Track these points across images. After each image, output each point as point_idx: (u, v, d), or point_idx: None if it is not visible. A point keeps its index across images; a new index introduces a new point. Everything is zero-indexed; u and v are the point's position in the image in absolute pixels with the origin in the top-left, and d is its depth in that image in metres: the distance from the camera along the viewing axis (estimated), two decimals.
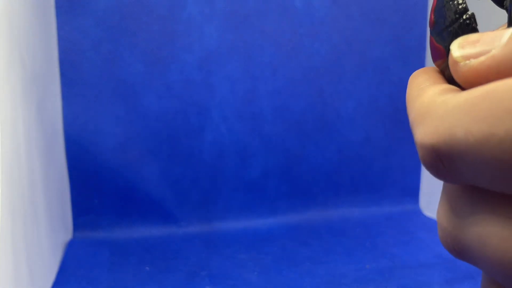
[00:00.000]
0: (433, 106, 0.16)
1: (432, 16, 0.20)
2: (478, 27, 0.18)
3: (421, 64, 1.04)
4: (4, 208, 0.52)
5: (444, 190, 0.18)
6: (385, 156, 1.06)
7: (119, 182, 0.93)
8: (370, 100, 1.03)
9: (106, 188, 0.93)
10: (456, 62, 0.17)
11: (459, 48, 0.17)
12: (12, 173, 0.56)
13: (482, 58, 0.15)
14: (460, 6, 0.18)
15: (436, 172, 0.16)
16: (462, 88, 0.19)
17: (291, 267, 0.80)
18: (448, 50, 0.19)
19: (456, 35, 0.18)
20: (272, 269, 0.79)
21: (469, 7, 0.19)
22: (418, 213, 1.05)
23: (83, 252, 0.85)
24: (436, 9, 0.20)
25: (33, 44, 0.74)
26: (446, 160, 0.15)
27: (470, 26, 0.18)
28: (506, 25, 0.19)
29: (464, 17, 0.18)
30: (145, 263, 0.81)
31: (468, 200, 0.16)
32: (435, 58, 0.21)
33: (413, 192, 1.08)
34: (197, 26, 0.93)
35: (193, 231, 0.94)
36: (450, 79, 0.20)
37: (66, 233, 0.89)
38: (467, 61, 0.16)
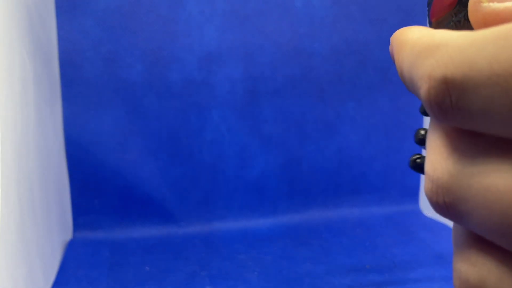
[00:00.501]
0: (446, 39, 0.15)
1: None
2: None
3: None
4: (4, 208, 0.52)
5: (439, 135, 0.17)
6: (385, 156, 1.06)
7: (119, 182, 0.93)
8: (370, 100, 1.03)
9: (106, 188, 0.93)
10: (479, 1, 0.15)
11: None
12: (12, 173, 0.56)
13: (508, 4, 0.15)
14: None
15: (440, 108, 0.15)
16: None
17: (291, 267, 0.80)
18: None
19: None
20: (272, 269, 0.79)
21: None
22: (418, 213, 1.05)
23: (83, 252, 0.85)
24: None
25: (33, 44, 0.74)
26: (458, 94, 0.14)
27: None
28: None
29: None
30: (145, 263, 0.81)
31: (472, 145, 0.15)
32: (439, 8, 0.20)
33: (413, 192, 1.08)
34: (197, 26, 0.93)
35: (193, 231, 0.94)
36: None
37: (66, 233, 0.89)
38: (491, 3, 0.15)
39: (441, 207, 0.16)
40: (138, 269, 0.79)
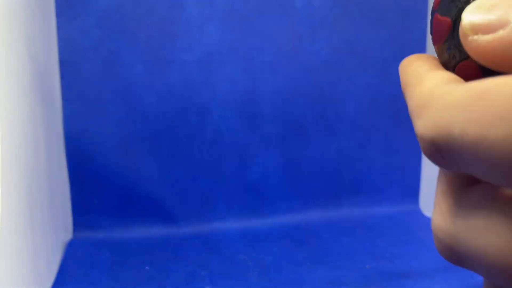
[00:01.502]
0: (432, 99, 0.16)
1: None
2: None
3: None
4: (4, 208, 0.52)
5: (441, 188, 0.18)
6: (385, 156, 1.06)
7: (119, 182, 0.93)
8: (370, 100, 1.03)
9: (106, 188, 0.93)
10: (465, 35, 0.16)
11: (471, 13, 0.16)
12: (12, 173, 0.56)
13: (489, 37, 0.15)
14: None
15: (436, 162, 0.16)
16: (462, 69, 0.19)
17: (291, 267, 0.80)
18: (454, 22, 0.19)
19: (466, 3, 0.18)
20: (272, 270, 0.79)
21: None
22: (418, 213, 1.05)
23: (83, 252, 0.85)
24: None
25: (33, 44, 0.74)
26: (445, 153, 0.15)
27: None
28: None
29: None
30: (145, 263, 0.81)
31: (467, 199, 0.16)
32: (437, 38, 0.20)
33: (413, 192, 1.08)
34: (197, 26, 0.93)
35: (193, 231, 0.94)
36: (448, 61, 0.20)
37: (66, 233, 0.89)
38: (475, 37, 0.16)
39: (453, 262, 0.17)
40: (138, 269, 0.79)
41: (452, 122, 0.14)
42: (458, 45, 0.19)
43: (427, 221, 1.01)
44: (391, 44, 1.03)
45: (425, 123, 0.16)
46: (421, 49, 1.04)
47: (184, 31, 0.93)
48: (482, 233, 0.15)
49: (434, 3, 0.20)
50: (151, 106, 0.93)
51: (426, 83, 0.17)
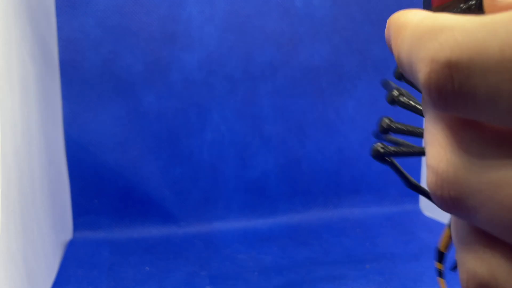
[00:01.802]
0: (452, 22, 0.14)
1: None
2: None
3: None
4: (4, 208, 0.52)
5: (440, 125, 0.16)
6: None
7: (119, 182, 0.93)
8: (370, 100, 1.03)
9: (106, 188, 0.93)
10: None
11: None
12: (12, 173, 0.56)
13: None
14: None
15: (440, 94, 0.14)
16: None
17: (291, 267, 0.80)
18: None
19: None
20: (272, 269, 0.79)
21: None
22: (418, 213, 1.05)
23: (83, 252, 0.85)
24: None
25: (34, 44, 0.74)
26: (461, 79, 0.13)
27: None
28: None
29: None
30: (145, 263, 0.81)
31: (479, 137, 0.14)
32: None
33: (413, 192, 1.08)
34: (197, 26, 0.93)
35: (193, 231, 0.94)
36: None
37: (66, 233, 0.89)
38: None
39: (446, 201, 0.15)
40: (138, 269, 0.79)
41: (485, 39, 0.12)
42: (473, 5, 0.17)
43: (427, 221, 1.01)
44: None
45: (442, 42, 0.13)
46: None
47: (184, 31, 0.93)
48: (499, 170, 0.13)
49: None
50: (151, 106, 0.93)
51: (437, 16, 0.15)
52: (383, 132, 0.26)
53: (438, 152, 0.15)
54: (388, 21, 0.19)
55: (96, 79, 0.90)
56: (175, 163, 0.96)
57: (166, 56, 0.93)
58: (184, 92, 0.94)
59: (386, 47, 1.03)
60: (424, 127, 0.17)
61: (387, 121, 0.27)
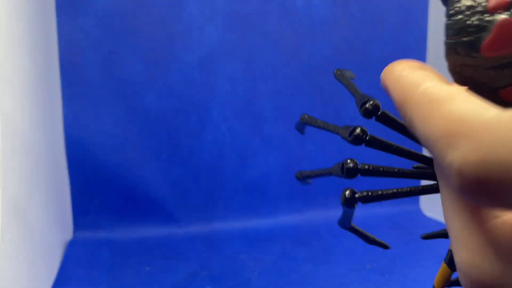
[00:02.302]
0: (472, 125, 0.13)
1: None
2: None
3: None
4: (5, 208, 0.52)
5: (471, 220, 0.15)
6: (386, 156, 1.06)
7: (119, 182, 0.93)
8: None
9: (106, 188, 0.93)
10: None
11: None
12: (12, 173, 0.56)
13: None
14: None
15: (476, 201, 0.13)
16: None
17: (292, 267, 0.80)
18: None
19: None
20: (272, 269, 0.79)
21: None
22: (419, 213, 1.05)
23: (83, 252, 0.85)
24: None
25: (34, 45, 0.73)
26: (494, 189, 0.13)
27: None
28: None
29: None
30: (145, 263, 0.81)
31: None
32: (507, 40, 0.16)
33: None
34: (197, 26, 0.93)
35: (194, 231, 0.94)
36: (502, 77, 0.16)
37: (66, 233, 0.89)
38: None
39: None
40: (139, 269, 0.79)
41: (508, 150, 0.12)
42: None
43: (427, 221, 1.01)
44: (392, 44, 1.02)
45: (466, 156, 0.13)
46: (421, 49, 1.04)
47: (184, 31, 0.93)
48: None
49: (495, 3, 0.16)
50: (151, 106, 0.93)
51: (458, 105, 0.14)
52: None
53: (468, 258, 0.15)
54: (383, 73, 0.18)
55: (96, 79, 0.90)
56: (176, 163, 0.96)
57: (166, 56, 0.93)
58: (184, 92, 0.94)
59: (386, 47, 1.03)
60: (443, 209, 0.16)
61: (351, 164, 0.26)
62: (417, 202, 1.08)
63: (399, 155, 0.23)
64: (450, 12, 0.17)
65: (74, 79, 0.90)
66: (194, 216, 0.96)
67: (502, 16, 0.16)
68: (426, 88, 0.16)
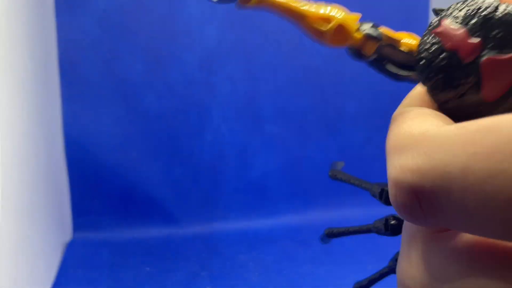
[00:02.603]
0: (419, 138, 0.13)
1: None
2: None
3: None
4: (5, 209, 0.52)
5: (413, 247, 0.15)
6: None
7: (119, 183, 0.93)
8: (372, 100, 1.03)
9: (106, 189, 0.93)
10: None
11: None
12: (12, 174, 0.56)
13: None
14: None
15: (410, 214, 0.13)
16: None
17: (292, 267, 0.80)
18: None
19: None
20: (273, 270, 0.79)
21: None
22: None
23: (83, 253, 0.84)
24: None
25: (33, 44, 0.73)
26: (428, 200, 0.13)
27: None
28: None
29: None
30: (145, 263, 0.81)
31: (456, 259, 0.14)
32: (496, 90, 0.16)
33: None
34: (197, 26, 0.93)
35: (194, 232, 0.94)
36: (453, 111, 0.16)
37: (66, 233, 0.89)
38: None
39: None
40: (138, 269, 0.79)
41: (449, 161, 0.12)
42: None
43: None
44: None
45: (403, 165, 0.13)
46: None
47: (184, 30, 0.93)
48: None
49: (475, 44, 0.16)
50: (151, 106, 0.93)
51: (413, 124, 0.14)
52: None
53: (410, 271, 0.15)
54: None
55: (96, 79, 0.90)
56: (175, 164, 0.95)
57: (166, 56, 0.92)
58: (184, 92, 0.94)
59: None
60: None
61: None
62: None
63: None
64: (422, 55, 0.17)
65: (74, 79, 0.89)
66: (194, 216, 0.96)
67: (483, 59, 0.15)
68: (404, 110, 0.16)
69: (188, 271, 0.78)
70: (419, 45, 0.16)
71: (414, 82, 0.18)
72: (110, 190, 0.93)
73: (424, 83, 0.16)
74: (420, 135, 0.13)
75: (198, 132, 0.95)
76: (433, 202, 0.13)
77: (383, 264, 0.28)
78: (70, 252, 0.84)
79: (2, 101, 0.54)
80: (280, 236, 0.93)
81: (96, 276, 0.76)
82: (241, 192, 0.99)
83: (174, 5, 0.91)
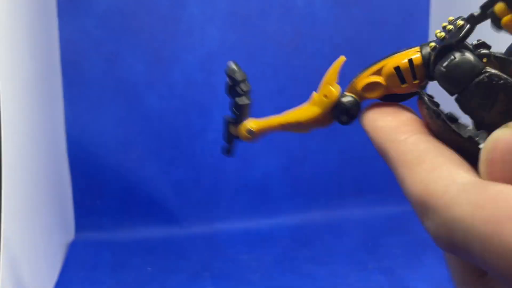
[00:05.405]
0: (436, 197, 0.16)
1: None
2: None
3: None
4: (7, 209, 0.52)
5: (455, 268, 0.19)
6: None
7: (121, 183, 0.93)
8: (373, 100, 1.03)
9: (108, 189, 0.93)
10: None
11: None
12: (14, 175, 0.56)
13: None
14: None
15: (457, 255, 0.16)
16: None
17: (293, 267, 0.80)
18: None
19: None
20: (274, 270, 0.79)
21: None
22: None
23: (85, 253, 0.85)
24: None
25: (35, 45, 0.74)
26: (463, 249, 0.15)
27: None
28: None
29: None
30: (147, 263, 0.81)
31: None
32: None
33: None
34: (198, 26, 0.93)
35: (195, 232, 0.94)
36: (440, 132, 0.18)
37: (68, 234, 0.89)
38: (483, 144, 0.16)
39: None
40: (140, 270, 0.79)
41: (465, 228, 0.14)
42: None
43: None
44: (393, 43, 1.02)
45: (436, 228, 0.16)
46: None
47: (185, 31, 0.93)
48: None
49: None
50: (153, 106, 0.93)
51: (421, 169, 0.17)
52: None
53: None
54: (365, 123, 0.21)
55: (97, 79, 0.91)
56: (177, 164, 0.96)
57: (167, 57, 0.93)
58: (186, 93, 0.94)
59: (386, 47, 1.03)
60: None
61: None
62: None
63: None
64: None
65: (76, 79, 0.90)
66: (196, 216, 0.96)
67: (480, 146, 0.17)
68: (399, 145, 0.18)
69: (190, 271, 0.79)
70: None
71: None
72: (112, 190, 0.93)
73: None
74: (440, 197, 0.16)
75: (200, 132, 0.95)
76: (467, 253, 0.15)
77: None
78: (73, 252, 0.84)
79: (5, 102, 0.55)
80: (281, 236, 0.93)
81: (99, 276, 0.77)
82: (243, 192, 0.99)
83: (176, 6, 0.92)
